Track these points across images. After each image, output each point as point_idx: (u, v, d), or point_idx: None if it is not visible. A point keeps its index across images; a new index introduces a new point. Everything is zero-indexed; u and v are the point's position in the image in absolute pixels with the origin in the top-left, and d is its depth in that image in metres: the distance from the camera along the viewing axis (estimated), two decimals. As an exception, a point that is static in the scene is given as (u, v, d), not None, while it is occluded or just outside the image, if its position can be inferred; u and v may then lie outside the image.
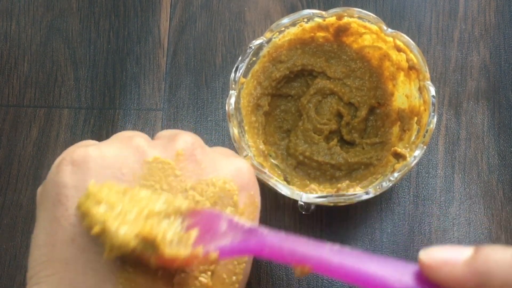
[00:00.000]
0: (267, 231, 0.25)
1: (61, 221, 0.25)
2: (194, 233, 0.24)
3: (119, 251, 0.23)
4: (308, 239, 0.24)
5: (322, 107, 0.42)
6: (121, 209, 0.24)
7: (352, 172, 0.40)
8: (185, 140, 0.28)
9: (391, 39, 0.38)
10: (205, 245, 0.24)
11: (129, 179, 0.26)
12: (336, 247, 0.23)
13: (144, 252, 0.23)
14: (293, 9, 0.47)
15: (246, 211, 0.29)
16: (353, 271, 0.22)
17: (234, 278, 0.28)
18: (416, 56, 0.37)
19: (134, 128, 0.45)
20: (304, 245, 0.23)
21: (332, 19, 0.39)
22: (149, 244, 0.23)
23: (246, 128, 0.38)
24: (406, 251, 0.41)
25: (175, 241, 0.24)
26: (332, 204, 0.35)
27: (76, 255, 0.24)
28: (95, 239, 0.24)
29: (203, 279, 0.26)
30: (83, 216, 0.24)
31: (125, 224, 0.23)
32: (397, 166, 0.36)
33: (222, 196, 0.28)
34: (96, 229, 0.23)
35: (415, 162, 0.35)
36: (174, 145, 0.28)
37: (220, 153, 0.31)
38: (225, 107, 0.37)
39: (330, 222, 0.42)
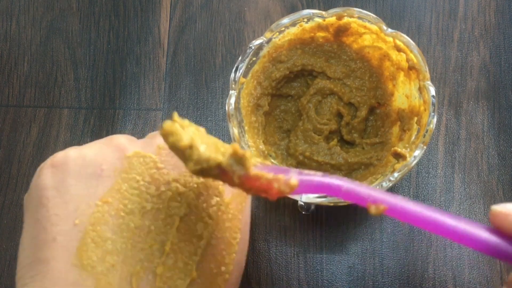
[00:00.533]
0: (341, 177, 0.26)
1: (42, 222, 0.25)
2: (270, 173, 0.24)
3: (206, 164, 0.24)
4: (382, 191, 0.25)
5: (322, 107, 0.42)
6: (202, 139, 0.25)
7: (352, 172, 0.40)
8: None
9: (391, 39, 0.38)
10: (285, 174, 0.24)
11: (109, 174, 0.27)
12: (407, 198, 0.25)
13: (230, 169, 0.24)
14: (293, 9, 0.47)
15: (234, 201, 0.29)
16: (426, 218, 0.24)
17: (223, 268, 0.28)
18: (416, 56, 0.37)
19: (134, 128, 0.45)
20: (379, 191, 0.25)
21: (332, 19, 0.39)
22: (238, 160, 0.24)
23: (246, 128, 0.38)
24: (406, 251, 0.41)
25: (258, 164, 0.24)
26: (332, 204, 0.35)
27: (57, 254, 0.25)
28: (75, 235, 0.25)
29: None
30: (169, 134, 0.25)
31: (208, 147, 0.24)
32: (397, 166, 0.36)
33: (207, 187, 0.28)
34: (184, 142, 0.24)
35: (415, 162, 0.35)
36: (156, 141, 0.29)
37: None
38: (225, 107, 0.37)
39: (330, 222, 0.42)
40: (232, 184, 0.24)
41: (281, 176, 0.24)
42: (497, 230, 0.23)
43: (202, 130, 0.27)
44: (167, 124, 0.25)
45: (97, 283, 0.24)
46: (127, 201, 0.26)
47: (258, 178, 0.24)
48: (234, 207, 0.29)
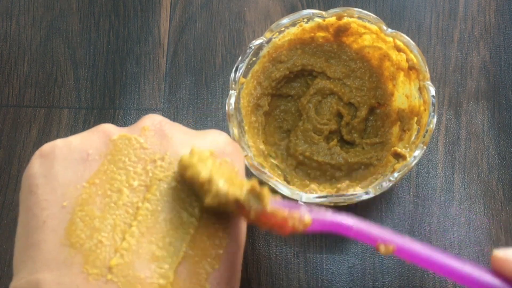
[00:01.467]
0: (348, 214, 0.27)
1: (33, 209, 0.26)
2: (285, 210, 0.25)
3: (225, 198, 0.24)
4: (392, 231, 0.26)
5: (322, 107, 0.42)
6: (220, 172, 0.26)
7: (352, 172, 0.40)
8: (153, 118, 0.29)
9: (391, 39, 0.38)
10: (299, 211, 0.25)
11: (95, 158, 0.27)
12: (414, 240, 0.26)
13: (247, 204, 0.24)
14: (293, 9, 0.47)
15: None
16: (432, 260, 0.25)
17: (217, 241, 0.27)
18: (416, 56, 0.37)
19: (134, 128, 0.45)
20: (388, 231, 0.26)
21: (332, 19, 0.39)
22: (255, 196, 0.24)
23: (246, 128, 0.38)
24: (406, 251, 0.41)
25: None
26: (332, 204, 0.35)
27: (47, 236, 0.25)
28: (64, 217, 0.25)
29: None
30: (187, 167, 0.25)
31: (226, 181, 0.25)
32: (397, 166, 0.36)
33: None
34: (204, 175, 0.25)
35: (415, 162, 0.35)
36: (141, 124, 0.29)
37: (197, 131, 0.31)
38: (225, 107, 0.37)
39: (330, 222, 0.42)
40: (248, 218, 0.25)
41: (295, 214, 0.25)
42: (497, 274, 0.25)
43: (218, 162, 0.28)
44: (185, 157, 0.26)
45: (85, 259, 0.25)
46: (114, 181, 0.27)
47: (274, 215, 0.25)
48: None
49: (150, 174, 0.27)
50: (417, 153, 0.35)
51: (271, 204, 0.25)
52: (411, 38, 0.37)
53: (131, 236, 0.25)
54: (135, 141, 0.28)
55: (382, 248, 0.25)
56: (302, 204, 0.27)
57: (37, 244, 0.25)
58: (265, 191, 0.24)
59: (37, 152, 0.28)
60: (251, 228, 0.42)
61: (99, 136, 0.28)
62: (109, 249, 0.25)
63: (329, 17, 0.38)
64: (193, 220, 0.26)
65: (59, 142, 0.28)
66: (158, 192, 0.27)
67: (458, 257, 0.25)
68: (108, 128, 0.29)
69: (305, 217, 0.25)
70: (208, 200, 0.25)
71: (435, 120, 0.36)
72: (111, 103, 0.46)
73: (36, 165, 0.27)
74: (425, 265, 0.25)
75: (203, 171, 0.25)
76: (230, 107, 0.37)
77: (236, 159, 0.30)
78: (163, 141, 0.28)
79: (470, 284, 0.24)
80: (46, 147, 0.28)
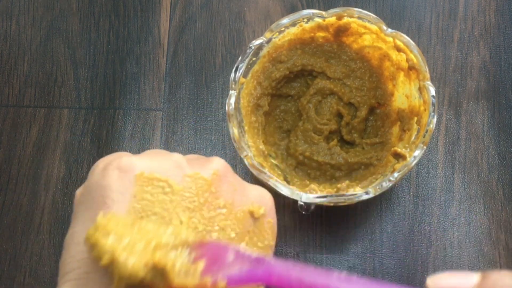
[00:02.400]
0: (275, 260, 0.25)
1: None
2: (201, 264, 0.24)
3: (129, 280, 0.23)
4: (316, 267, 0.24)
5: (322, 107, 0.42)
6: (129, 241, 0.24)
7: (352, 172, 0.40)
8: (219, 162, 0.29)
9: (391, 39, 0.38)
10: (213, 275, 0.24)
11: (171, 191, 0.27)
12: (343, 275, 0.23)
13: (153, 282, 0.24)
14: (293, 9, 0.47)
15: (266, 238, 0.30)
16: None
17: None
18: (416, 56, 0.37)
19: (134, 128, 0.45)
20: (312, 274, 0.24)
21: (332, 19, 0.39)
22: (159, 273, 0.24)
23: (246, 128, 0.38)
24: (406, 251, 0.41)
25: (182, 271, 0.24)
26: (332, 204, 0.35)
27: None
28: None
29: None
30: (92, 247, 0.24)
31: (133, 255, 0.24)
32: (397, 166, 0.36)
33: (249, 218, 0.29)
34: (104, 260, 0.24)
35: (415, 162, 0.35)
36: (211, 165, 0.29)
37: (243, 181, 0.31)
38: (225, 107, 0.37)
39: (330, 222, 0.42)
40: None
41: (207, 281, 0.24)
42: None
43: (131, 221, 0.26)
44: (88, 235, 0.24)
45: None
46: (182, 217, 0.27)
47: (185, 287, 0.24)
48: (267, 242, 0.30)
49: (213, 221, 0.27)
50: (417, 153, 0.35)
51: (185, 259, 0.24)
52: (411, 38, 0.37)
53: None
54: (205, 183, 0.28)
55: None
56: (229, 248, 0.26)
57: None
58: (169, 265, 0.24)
59: (115, 163, 0.27)
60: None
61: (174, 167, 0.28)
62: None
63: (329, 17, 0.38)
64: None
65: (138, 162, 0.27)
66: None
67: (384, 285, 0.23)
68: (181, 160, 0.28)
69: (218, 284, 0.24)
70: (115, 286, 0.24)
71: (435, 120, 0.36)
72: (111, 103, 0.46)
73: (114, 177, 0.27)
74: None
75: (104, 251, 0.23)
76: (230, 107, 0.37)
77: (275, 219, 0.31)
78: (228, 189, 0.28)
79: None
80: (125, 161, 0.27)
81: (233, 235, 0.28)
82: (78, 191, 0.29)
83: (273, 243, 0.30)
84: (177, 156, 0.29)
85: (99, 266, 0.24)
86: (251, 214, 0.29)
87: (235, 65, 0.38)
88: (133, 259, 0.24)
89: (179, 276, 0.24)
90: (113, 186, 0.26)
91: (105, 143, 0.45)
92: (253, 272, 0.25)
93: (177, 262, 0.24)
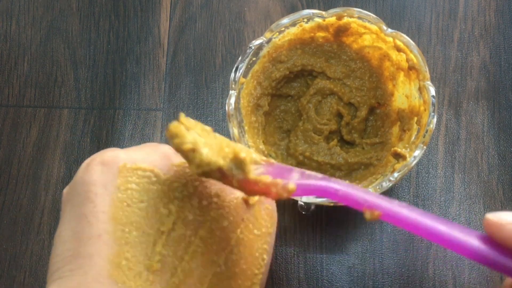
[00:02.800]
0: (341, 180, 0.26)
1: (88, 217, 0.25)
2: (268, 177, 0.25)
3: (208, 167, 0.24)
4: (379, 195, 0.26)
5: (322, 107, 0.42)
6: (207, 140, 0.26)
7: (352, 172, 0.40)
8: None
9: (391, 39, 0.38)
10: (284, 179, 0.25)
11: (158, 180, 0.27)
12: (404, 204, 0.25)
13: (230, 173, 0.24)
14: (293, 9, 0.47)
15: (264, 223, 0.30)
16: (419, 225, 0.24)
17: (248, 283, 0.28)
18: (416, 56, 0.37)
19: (134, 128, 0.45)
20: (375, 197, 0.25)
21: (332, 19, 0.39)
22: (238, 164, 0.24)
23: (246, 128, 0.38)
24: (406, 251, 0.41)
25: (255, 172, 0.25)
26: (332, 204, 0.35)
27: (101, 251, 0.25)
28: (121, 236, 0.25)
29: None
30: (174, 136, 0.25)
31: (212, 149, 0.25)
32: (397, 166, 0.36)
33: (243, 206, 0.29)
34: (188, 146, 0.25)
35: (415, 162, 0.35)
36: None
37: None
38: (225, 107, 0.37)
39: (330, 222, 0.42)
40: (232, 186, 0.25)
41: (279, 181, 0.25)
42: (490, 238, 0.23)
43: (208, 129, 0.28)
44: (172, 125, 0.26)
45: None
46: (171, 206, 0.27)
47: (256, 182, 0.25)
48: (265, 229, 0.29)
49: (204, 210, 0.27)
50: (417, 153, 0.35)
51: (255, 171, 0.25)
52: (411, 38, 0.37)
53: (182, 271, 0.26)
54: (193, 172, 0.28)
55: (368, 214, 0.24)
56: (294, 169, 0.27)
57: (89, 256, 0.25)
58: (248, 158, 0.24)
59: (98, 159, 0.27)
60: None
61: (161, 158, 0.28)
62: (164, 277, 0.25)
63: (329, 17, 0.38)
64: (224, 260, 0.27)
65: (121, 154, 0.27)
66: (209, 230, 0.27)
67: (448, 222, 0.24)
68: (169, 151, 0.28)
69: (289, 185, 0.25)
70: (193, 169, 0.25)
71: (435, 120, 0.36)
72: (111, 103, 0.46)
73: (97, 171, 0.27)
74: (412, 229, 0.24)
75: (188, 140, 0.25)
76: (230, 107, 0.37)
77: (274, 206, 0.31)
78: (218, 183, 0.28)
79: (458, 249, 0.23)
80: (109, 155, 0.27)
81: (226, 223, 0.27)
82: (65, 190, 0.29)
83: (272, 230, 0.30)
84: (164, 147, 0.29)
85: (89, 260, 0.24)
86: (245, 201, 0.29)
87: (235, 65, 0.38)
88: (212, 151, 0.25)
89: (254, 173, 0.25)
90: (96, 180, 0.26)
91: (105, 143, 0.45)
92: (320, 185, 0.26)
93: (252, 163, 0.25)
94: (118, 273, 0.25)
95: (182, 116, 0.27)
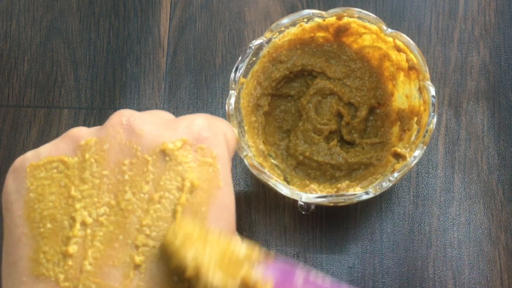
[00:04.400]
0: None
1: (10, 226, 0.26)
2: (270, 282, 0.24)
3: None
4: None
5: (322, 107, 0.42)
6: (209, 253, 0.23)
7: (352, 172, 0.40)
8: (121, 114, 0.27)
9: (391, 39, 0.38)
10: None
11: (66, 166, 0.26)
12: None
13: None
14: (293, 9, 0.47)
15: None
16: None
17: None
18: (416, 56, 0.37)
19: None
20: None
21: (332, 19, 0.39)
22: None
23: (246, 128, 0.38)
24: (406, 251, 0.41)
25: None
26: (332, 204, 0.35)
27: (23, 254, 0.25)
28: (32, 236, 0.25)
29: None
30: (171, 256, 0.23)
31: (218, 269, 0.23)
32: (397, 166, 0.36)
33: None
34: (190, 273, 0.23)
35: (415, 162, 0.35)
36: (109, 123, 0.27)
37: (172, 119, 0.28)
38: (225, 107, 0.37)
39: (330, 222, 0.42)
40: None
41: None
42: None
43: (212, 230, 0.25)
44: (167, 241, 0.23)
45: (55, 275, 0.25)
46: (81, 188, 0.26)
47: None
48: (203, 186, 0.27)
49: (120, 176, 0.25)
50: (417, 153, 0.35)
51: (256, 273, 0.24)
52: (411, 38, 0.37)
53: (97, 252, 0.25)
54: (99, 143, 0.26)
55: None
56: (297, 269, 0.25)
57: (14, 263, 0.25)
58: (259, 282, 0.23)
59: (11, 168, 0.27)
60: (250, 229, 0.42)
61: (67, 143, 0.27)
62: (79, 260, 0.24)
63: (329, 17, 0.38)
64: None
65: (28, 155, 0.27)
66: (128, 196, 0.25)
67: None
68: (76, 132, 0.27)
69: None
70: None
71: (435, 120, 0.36)
72: (111, 103, 0.46)
73: (10, 180, 0.27)
74: None
75: (188, 261, 0.23)
76: (230, 107, 0.37)
77: (214, 145, 0.26)
78: (132, 139, 0.26)
79: None
80: (17, 161, 0.27)
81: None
82: None
83: (222, 184, 0.26)
84: (73, 130, 0.27)
85: (13, 264, 0.24)
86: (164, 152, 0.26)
87: (235, 65, 0.38)
88: (220, 274, 0.23)
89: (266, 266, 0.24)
90: (10, 189, 0.26)
91: (105, 143, 0.45)
92: None
93: (259, 279, 0.23)
94: (38, 268, 0.25)
95: (178, 223, 0.24)
